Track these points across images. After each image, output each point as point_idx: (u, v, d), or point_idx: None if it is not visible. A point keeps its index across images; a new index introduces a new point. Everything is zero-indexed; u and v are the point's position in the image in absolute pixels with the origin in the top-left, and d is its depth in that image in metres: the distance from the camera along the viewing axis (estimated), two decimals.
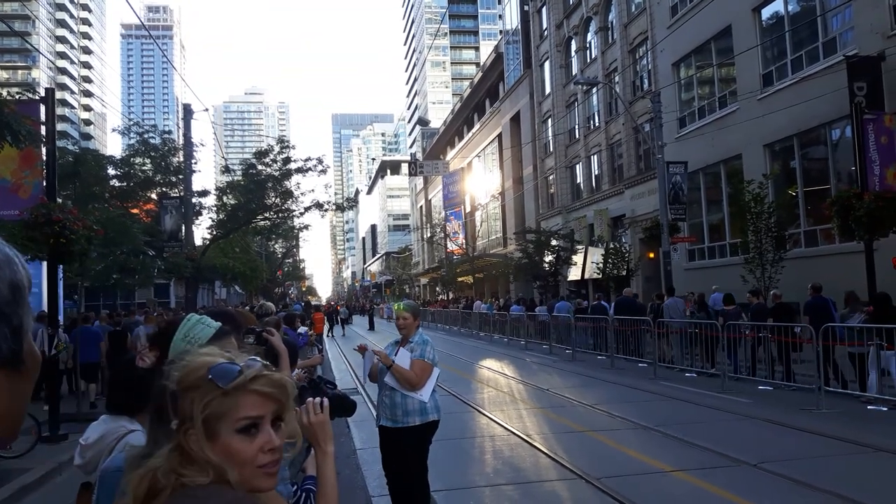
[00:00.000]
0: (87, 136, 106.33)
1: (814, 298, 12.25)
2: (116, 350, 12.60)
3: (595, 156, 32.76)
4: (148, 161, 24.19)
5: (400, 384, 4.93)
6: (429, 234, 63.58)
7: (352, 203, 54.02)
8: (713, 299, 16.42)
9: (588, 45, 33.59)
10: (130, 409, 2.50)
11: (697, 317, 14.94)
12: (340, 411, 2.14)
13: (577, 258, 29.59)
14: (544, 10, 38.32)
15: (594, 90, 31.68)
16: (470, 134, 57.52)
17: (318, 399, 1.85)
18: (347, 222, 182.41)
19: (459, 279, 49.81)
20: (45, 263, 10.44)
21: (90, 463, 2.46)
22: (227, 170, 28.66)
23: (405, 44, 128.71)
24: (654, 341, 15.30)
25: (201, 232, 27.56)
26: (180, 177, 23.06)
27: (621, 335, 16.99)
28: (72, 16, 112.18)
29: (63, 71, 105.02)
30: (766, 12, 20.09)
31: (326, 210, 27.38)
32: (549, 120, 37.37)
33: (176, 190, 23.71)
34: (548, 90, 37.75)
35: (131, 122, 25.20)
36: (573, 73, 34.55)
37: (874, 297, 11.20)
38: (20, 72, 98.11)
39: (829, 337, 10.64)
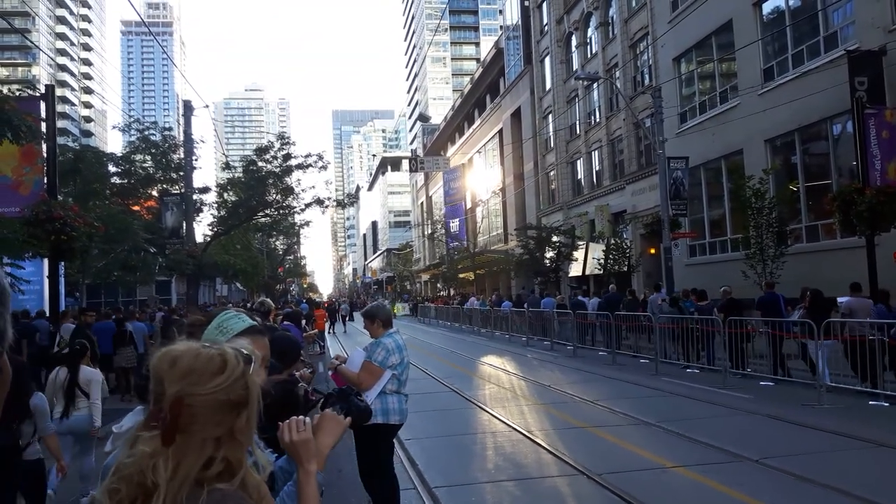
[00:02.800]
0: (88, 133, 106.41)
1: (766, 294, 13.10)
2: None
3: (596, 151, 32.73)
4: (148, 158, 24.20)
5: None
6: (430, 231, 63.53)
7: (352, 199, 54.08)
8: (651, 299, 17.46)
9: (588, 41, 33.51)
10: None
11: (670, 311, 15.02)
12: (360, 421, 2.15)
13: (578, 254, 29.59)
14: (545, 5, 38.22)
15: (595, 86, 31.62)
16: (471, 130, 57.39)
17: (301, 417, 1.80)
18: (348, 219, 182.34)
19: (461, 276, 49.75)
20: (46, 260, 10.45)
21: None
22: (227, 166, 28.67)
23: (405, 40, 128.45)
24: (632, 336, 15.67)
25: (202, 229, 27.60)
26: (181, 173, 23.06)
27: (605, 330, 17.10)
28: (72, 12, 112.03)
29: (63, 68, 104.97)
30: (767, 7, 20.03)
31: (327, 206, 27.45)
32: (550, 115, 37.30)
33: (177, 187, 23.71)
34: (548, 86, 37.68)
35: (132, 119, 25.19)
36: (574, 69, 34.46)
37: (810, 292, 11.80)
38: (20, 69, 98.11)
39: (776, 329, 11.74)
